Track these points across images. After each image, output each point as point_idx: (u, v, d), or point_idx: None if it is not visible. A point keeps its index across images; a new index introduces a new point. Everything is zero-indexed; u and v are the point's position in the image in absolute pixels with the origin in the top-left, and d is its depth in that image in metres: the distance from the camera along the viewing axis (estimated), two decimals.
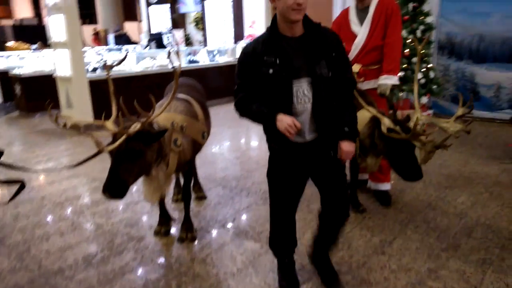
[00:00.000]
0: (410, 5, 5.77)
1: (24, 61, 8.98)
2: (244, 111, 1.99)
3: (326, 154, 1.98)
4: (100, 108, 6.45)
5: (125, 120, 2.27)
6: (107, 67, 2.37)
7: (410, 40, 5.64)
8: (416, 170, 2.33)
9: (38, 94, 7.63)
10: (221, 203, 3.50)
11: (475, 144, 4.85)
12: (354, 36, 3.08)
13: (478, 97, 5.97)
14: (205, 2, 10.13)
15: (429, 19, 5.88)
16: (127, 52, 2.60)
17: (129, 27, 16.14)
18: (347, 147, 1.91)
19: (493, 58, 5.89)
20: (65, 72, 6.28)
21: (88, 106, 6.37)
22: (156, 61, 7.68)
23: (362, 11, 3.11)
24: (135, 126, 2.15)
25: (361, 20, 3.09)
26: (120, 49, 10.42)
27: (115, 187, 2.08)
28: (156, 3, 11.35)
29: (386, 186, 3.32)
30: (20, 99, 7.83)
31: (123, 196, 2.12)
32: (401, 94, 5.65)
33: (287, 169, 2.03)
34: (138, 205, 3.52)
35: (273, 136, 1.96)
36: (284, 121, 1.78)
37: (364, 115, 2.67)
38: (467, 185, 3.68)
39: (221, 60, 8.77)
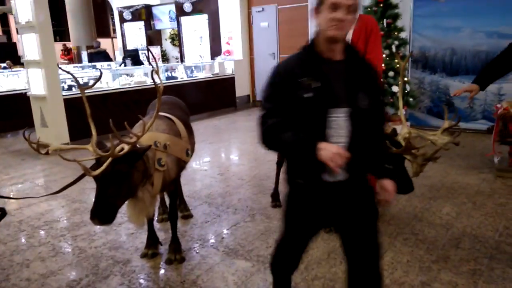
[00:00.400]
0: (385, 22, 5.96)
1: None
2: (275, 140, 1.61)
3: (360, 198, 1.69)
4: (76, 126, 6.29)
5: (103, 142, 2.22)
6: (81, 88, 2.29)
7: (385, 55, 5.81)
8: (408, 183, 2.35)
9: (10, 113, 7.38)
10: (208, 222, 3.43)
11: (453, 155, 4.98)
12: None
13: (452, 109, 6.17)
14: (180, 18, 10.13)
15: (402, 35, 6.10)
16: (101, 72, 2.52)
17: (103, 44, 15.93)
18: (391, 186, 1.66)
19: (465, 70, 6.12)
20: (39, 91, 6.09)
21: (63, 125, 6.20)
22: (133, 78, 7.59)
23: None
24: (121, 148, 2.09)
25: None
26: (94, 66, 10.25)
27: (104, 213, 2.01)
28: (131, 20, 11.26)
29: None
30: None
31: (112, 221, 2.05)
32: None
33: (310, 210, 1.71)
34: (122, 226, 3.40)
35: (302, 170, 1.65)
36: (329, 149, 1.47)
37: None
38: (449, 195, 3.76)
39: (200, 75, 8.76)
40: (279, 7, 8.85)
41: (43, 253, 3.02)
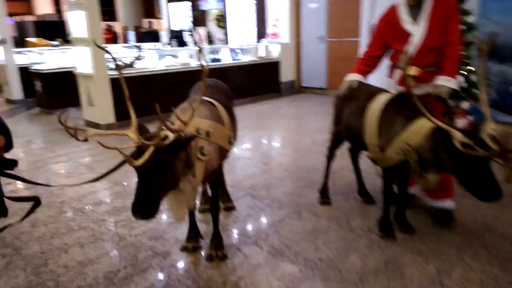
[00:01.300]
0: None
1: (44, 57, 8.90)
2: None
3: None
4: (121, 106, 6.27)
5: (145, 126, 2.05)
6: (119, 68, 2.11)
7: None
8: (496, 189, 2.01)
9: (59, 90, 7.51)
10: (252, 216, 3.22)
11: None
12: (407, 35, 2.77)
13: None
14: None
15: (469, 19, 5.50)
16: (139, 54, 2.31)
17: (149, 24, 16.00)
18: None
19: None
20: (86, 70, 6.10)
21: (109, 104, 6.19)
22: (177, 60, 7.47)
23: (414, 8, 2.79)
24: (165, 136, 1.89)
25: (414, 17, 2.77)
26: (140, 47, 10.26)
27: (146, 207, 1.83)
28: (177, 0, 11.14)
29: (449, 204, 2.97)
30: (40, 95, 7.71)
31: (155, 216, 1.87)
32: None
33: None
34: (163, 215, 3.27)
35: None
36: None
37: (422, 126, 2.36)
38: None
39: (244, 58, 8.51)
40: None
41: (82, 238, 2.94)
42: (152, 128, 2.11)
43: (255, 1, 9.43)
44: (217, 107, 2.58)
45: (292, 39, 9.08)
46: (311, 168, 4.25)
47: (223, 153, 2.53)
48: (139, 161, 1.80)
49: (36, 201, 1.77)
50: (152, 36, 10.93)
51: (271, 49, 8.85)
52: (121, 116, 6.28)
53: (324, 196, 3.40)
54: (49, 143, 5.65)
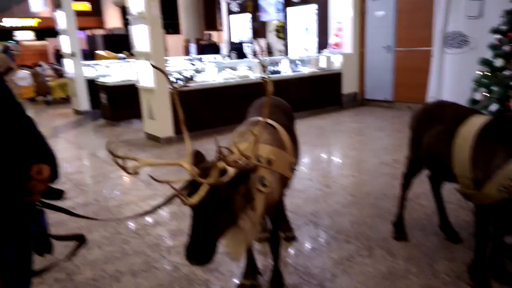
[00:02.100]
0: None
1: (111, 69, 9.24)
2: None
3: None
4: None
5: (201, 153, 1.82)
6: (174, 89, 1.91)
7: None
8: None
9: (123, 103, 7.69)
10: (315, 250, 2.89)
11: None
12: None
13: None
14: (287, 9, 9.66)
15: None
16: (191, 75, 2.05)
17: (210, 36, 16.27)
18: None
19: None
20: (147, 83, 6.15)
21: (169, 118, 6.18)
22: (237, 72, 7.35)
23: None
24: (225, 170, 1.64)
25: None
26: (201, 59, 10.36)
27: (202, 252, 1.59)
28: (238, 12, 11.15)
29: None
30: (105, 107, 7.97)
31: (212, 260, 1.63)
32: None
33: None
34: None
35: None
36: None
37: None
38: None
39: (304, 70, 8.21)
40: None
41: (136, 265, 2.79)
42: (207, 146, 1.87)
43: (317, 11, 9.13)
44: (278, 130, 2.31)
45: (356, 49, 8.63)
46: (380, 194, 3.83)
47: (285, 182, 2.25)
48: (194, 200, 1.57)
49: (81, 240, 1.61)
50: (212, 48, 11.00)
51: (333, 59, 8.48)
52: (180, 129, 6.24)
53: (399, 230, 2.98)
54: (110, 156, 5.72)
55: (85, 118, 8.70)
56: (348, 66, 8.53)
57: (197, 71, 7.23)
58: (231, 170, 1.64)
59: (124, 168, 1.63)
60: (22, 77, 10.90)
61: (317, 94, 8.07)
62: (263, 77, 1.80)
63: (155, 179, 1.63)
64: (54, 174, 1.57)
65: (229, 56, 9.50)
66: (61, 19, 8.72)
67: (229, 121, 6.92)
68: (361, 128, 6.86)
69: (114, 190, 4.39)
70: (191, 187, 1.67)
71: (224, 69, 7.41)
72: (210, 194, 1.60)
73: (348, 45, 8.62)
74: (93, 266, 2.81)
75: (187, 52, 12.80)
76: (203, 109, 6.48)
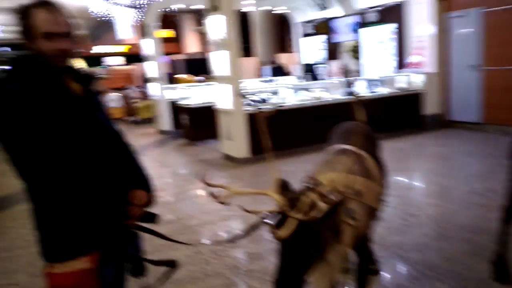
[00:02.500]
0: None
1: (191, 92, 9.75)
2: None
3: None
4: (257, 140, 6.36)
5: (288, 183, 1.78)
6: (259, 114, 1.92)
7: None
8: None
9: (202, 123, 8.05)
10: (402, 287, 2.70)
11: None
12: None
13: None
14: (363, 29, 9.48)
15: None
16: (277, 109, 1.95)
17: (281, 59, 16.51)
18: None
19: None
20: (226, 105, 6.37)
21: (245, 139, 6.32)
22: (311, 93, 7.33)
23: None
24: (314, 204, 1.59)
25: None
26: (272, 81, 10.53)
27: (290, 287, 1.56)
28: (311, 34, 11.20)
29: None
30: (186, 127, 8.39)
31: None
32: None
33: None
34: None
35: None
36: None
37: None
38: None
39: (382, 90, 7.94)
40: (485, 10, 7.31)
41: (217, 287, 2.83)
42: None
43: (395, 30, 8.84)
44: (365, 158, 2.22)
45: (439, 68, 8.17)
46: (473, 227, 3.50)
47: (373, 214, 2.14)
48: (283, 233, 1.53)
49: (173, 266, 1.68)
50: (279, 69, 11.21)
51: (413, 79, 8.10)
52: (256, 150, 6.36)
53: (501, 271, 2.68)
54: (191, 175, 5.97)
55: (168, 137, 9.23)
56: (431, 85, 8.09)
57: (273, 93, 7.35)
58: (322, 205, 1.60)
59: (216, 198, 1.65)
60: (112, 99, 11.94)
61: (396, 115, 7.73)
62: (354, 95, 1.75)
63: (245, 209, 1.64)
64: (150, 199, 1.67)
65: (303, 77, 9.53)
66: (148, 46, 9.45)
67: (304, 143, 6.91)
68: (446, 152, 6.41)
69: (195, 208, 4.55)
70: (279, 218, 1.64)
71: (298, 90, 7.44)
72: (299, 227, 1.56)
73: (430, 64, 8.20)
74: (178, 285, 2.90)
75: (259, 74, 13.08)
76: (278, 130, 6.52)
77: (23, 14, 1.45)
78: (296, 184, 1.81)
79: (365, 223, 2.06)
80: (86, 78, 1.61)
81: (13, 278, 3.19)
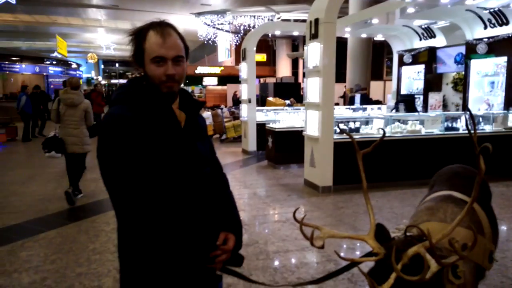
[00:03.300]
0: None
1: (279, 115, 9.89)
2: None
3: None
4: (341, 170, 6.17)
5: (384, 227, 1.61)
6: (358, 153, 1.76)
7: None
8: None
9: (286, 147, 8.10)
10: None
11: None
12: None
13: None
14: (470, 61, 8.78)
15: None
16: (383, 135, 1.77)
17: (374, 86, 16.03)
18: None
19: None
20: (313, 132, 6.31)
21: (329, 167, 6.18)
22: (406, 126, 6.93)
23: None
24: (417, 254, 1.42)
25: None
26: (365, 109, 10.22)
27: None
28: (410, 63, 10.70)
29: None
30: (270, 150, 8.49)
31: None
32: None
33: None
34: None
35: None
36: None
37: None
38: None
39: (487, 128, 7.21)
40: None
41: None
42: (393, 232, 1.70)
43: (506, 63, 8.04)
44: (476, 209, 1.97)
45: None
46: None
47: (480, 273, 1.89)
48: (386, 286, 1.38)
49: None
50: (363, 98, 10.84)
51: None
52: (339, 180, 6.18)
53: None
54: (270, 198, 5.97)
55: (251, 158, 9.42)
56: None
57: (365, 123, 7.10)
58: (434, 265, 1.41)
59: (312, 241, 1.54)
60: (205, 117, 12.60)
61: (503, 156, 6.94)
62: (469, 132, 1.54)
63: (340, 256, 1.52)
64: (238, 244, 1.54)
65: (396, 108, 9.10)
66: (244, 69, 9.86)
67: (394, 177, 6.52)
68: None
69: (273, 234, 4.50)
70: (378, 267, 1.50)
71: (392, 121, 7.09)
72: (397, 282, 1.41)
73: None
74: None
75: (351, 101, 12.81)
76: (368, 162, 6.26)
77: (136, 36, 1.42)
78: (383, 221, 1.66)
79: (471, 284, 1.82)
80: (192, 106, 1.55)
81: (100, 281, 3.42)
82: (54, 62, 29.94)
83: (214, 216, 1.50)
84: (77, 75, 32.62)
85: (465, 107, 8.77)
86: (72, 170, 5.78)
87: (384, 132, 1.78)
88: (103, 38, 29.32)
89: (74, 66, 34.46)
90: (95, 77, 43.27)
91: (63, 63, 31.16)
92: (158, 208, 1.32)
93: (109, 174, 1.36)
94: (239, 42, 19.37)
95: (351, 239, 1.67)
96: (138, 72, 1.48)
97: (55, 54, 27.36)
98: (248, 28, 18.70)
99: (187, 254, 1.37)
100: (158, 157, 1.35)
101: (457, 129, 7.02)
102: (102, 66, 51.09)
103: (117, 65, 51.06)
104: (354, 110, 10.18)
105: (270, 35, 18.34)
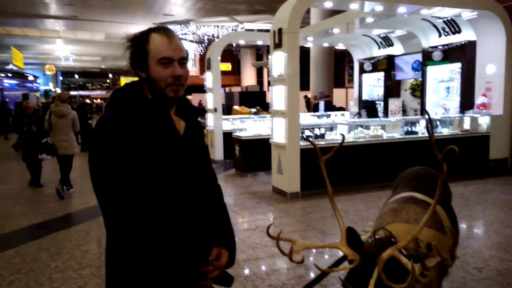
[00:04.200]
0: None
1: (245, 124, 9.91)
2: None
3: None
4: (308, 176, 6.25)
5: (355, 231, 1.61)
6: (321, 160, 1.73)
7: None
8: None
9: (253, 155, 8.11)
10: None
11: None
12: None
13: None
14: (426, 68, 9.20)
15: None
16: (342, 140, 1.79)
17: (337, 93, 16.44)
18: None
19: None
20: (279, 139, 6.37)
21: (297, 174, 6.25)
22: (368, 131, 7.14)
23: None
24: (392, 257, 1.41)
25: None
26: (329, 116, 10.43)
27: None
28: (370, 71, 11.06)
29: None
30: (237, 158, 8.48)
31: None
32: None
33: None
34: None
35: None
36: None
37: None
38: None
39: (444, 131, 7.56)
40: None
41: None
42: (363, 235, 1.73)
43: (461, 69, 8.48)
44: (436, 209, 2.05)
45: (507, 110, 7.68)
46: None
47: (444, 270, 1.96)
48: None
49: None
50: (326, 105, 11.16)
51: (479, 121, 7.65)
52: (307, 186, 6.26)
53: None
54: (239, 207, 5.95)
55: (219, 167, 9.36)
56: (497, 128, 7.61)
57: (329, 129, 7.25)
58: (416, 268, 1.42)
59: (290, 257, 1.47)
60: None
61: (459, 158, 7.27)
62: (429, 133, 1.59)
63: (320, 269, 1.49)
64: (231, 260, 1.48)
65: (358, 114, 9.37)
66: (209, 79, 9.83)
67: (359, 181, 6.68)
68: None
69: (243, 242, 4.48)
70: (353, 274, 1.47)
71: (355, 127, 7.28)
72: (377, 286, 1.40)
73: (497, 105, 7.73)
74: None
75: (315, 108, 13.07)
76: (331, 167, 6.37)
77: (140, 38, 1.37)
78: (350, 224, 1.67)
79: (435, 282, 1.88)
80: (191, 113, 1.49)
81: None
82: (10, 75, 28.68)
83: (207, 230, 1.43)
84: (34, 87, 31.35)
85: (423, 112, 9.15)
86: (64, 169, 6.82)
87: (344, 137, 1.80)
88: (62, 49, 28.41)
89: (31, 78, 33.15)
90: (53, 89, 41.73)
91: (19, 75, 29.91)
92: (148, 219, 1.26)
93: (99, 180, 1.28)
94: (203, 52, 19.35)
95: (326, 247, 1.65)
96: (138, 76, 1.40)
97: (11, 66, 26.23)
98: (212, 38, 18.73)
99: (178, 268, 1.30)
100: (152, 166, 1.28)
101: (417, 132, 7.32)
102: (61, 78, 49.42)
103: (76, 76, 49.57)
104: (319, 117, 10.37)
105: (234, 44, 18.43)
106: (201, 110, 1.71)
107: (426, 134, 7.27)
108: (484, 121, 7.71)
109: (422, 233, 1.81)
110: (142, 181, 1.26)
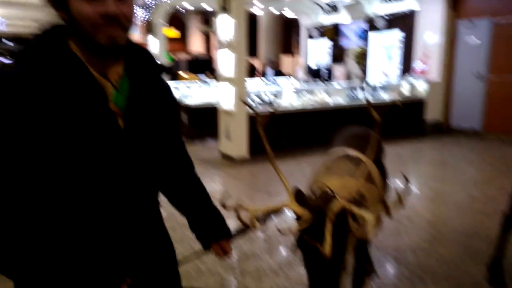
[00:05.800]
0: None
1: (191, 91, 9.73)
2: None
3: None
4: (256, 142, 6.34)
5: (302, 191, 1.63)
6: (259, 118, 1.69)
7: None
8: None
9: (201, 123, 8.07)
10: None
11: None
12: None
13: None
14: (370, 35, 9.49)
15: None
16: (271, 100, 1.79)
17: (285, 61, 16.54)
18: None
19: None
20: (227, 106, 6.37)
21: (245, 140, 6.32)
22: (314, 97, 7.32)
23: None
24: (342, 208, 1.47)
25: None
26: (275, 82, 10.53)
27: None
28: (318, 38, 11.22)
29: None
30: (185, 126, 8.39)
31: None
32: None
33: None
34: (292, 270, 2.97)
35: None
36: None
37: None
38: None
39: (385, 96, 7.94)
40: (494, 20, 7.31)
41: (209, 284, 2.82)
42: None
43: (402, 37, 8.84)
44: (367, 163, 2.19)
45: (443, 76, 8.18)
46: (471, 232, 3.49)
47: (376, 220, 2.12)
48: (327, 248, 1.34)
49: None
50: (285, 72, 11.26)
51: (417, 86, 8.10)
52: (255, 150, 6.36)
53: (496, 276, 2.67)
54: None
55: None
56: (434, 93, 8.10)
57: (275, 95, 7.34)
58: (369, 217, 1.47)
59: (247, 225, 1.43)
60: None
61: (398, 121, 7.72)
62: (367, 100, 1.66)
63: (280, 230, 1.45)
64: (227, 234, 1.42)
65: (306, 80, 9.54)
66: (153, 44, 9.48)
67: (303, 146, 6.89)
68: (445, 159, 6.40)
69: None
70: (309, 231, 1.45)
71: (301, 93, 7.43)
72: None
73: (434, 72, 8.20)
74: None
75: (263, 75, 13.11)
76: (279, 132, 6.52)
77: None
78: (294, 183, 1.70)
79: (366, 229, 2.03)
80: (146, 70, 1.09)
81: None
82: None
83: (126, 255, 1.09)
84: None
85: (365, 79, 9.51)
86: None
87: (271, 103, 1.82)
88: None
89: None
90: None
91: None
92: (25, 221, 0.92)
93: None
94: (149, 18, 18.48)
95: (278, 209, 1.65)
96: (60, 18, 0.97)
97: None
98: (157, 2, 17.87)
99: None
100: (50, 147, 0.90)
101: (358, 97, 7.62)
102: None
103: (11, 43, 45.60)
104: (267, 84, 10.43)
105: (182, 9, 17.75)
106: (163, 67, 1.32)
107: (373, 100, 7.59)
108: (422, 87, 8.16)
109: (353, 184, 1.94)
110: (33, 165, 0.90)
